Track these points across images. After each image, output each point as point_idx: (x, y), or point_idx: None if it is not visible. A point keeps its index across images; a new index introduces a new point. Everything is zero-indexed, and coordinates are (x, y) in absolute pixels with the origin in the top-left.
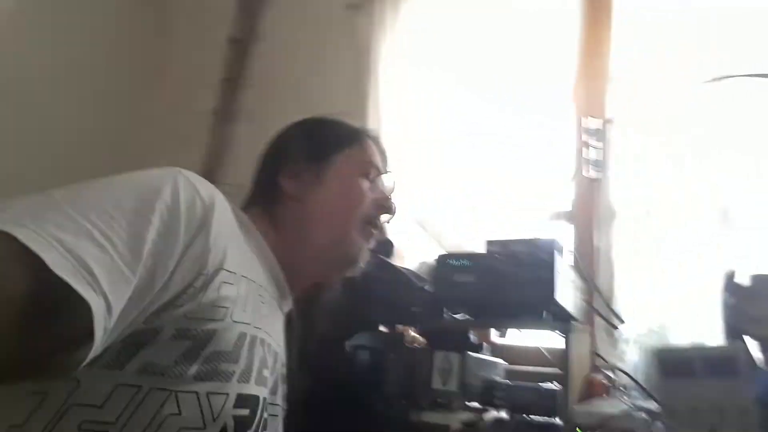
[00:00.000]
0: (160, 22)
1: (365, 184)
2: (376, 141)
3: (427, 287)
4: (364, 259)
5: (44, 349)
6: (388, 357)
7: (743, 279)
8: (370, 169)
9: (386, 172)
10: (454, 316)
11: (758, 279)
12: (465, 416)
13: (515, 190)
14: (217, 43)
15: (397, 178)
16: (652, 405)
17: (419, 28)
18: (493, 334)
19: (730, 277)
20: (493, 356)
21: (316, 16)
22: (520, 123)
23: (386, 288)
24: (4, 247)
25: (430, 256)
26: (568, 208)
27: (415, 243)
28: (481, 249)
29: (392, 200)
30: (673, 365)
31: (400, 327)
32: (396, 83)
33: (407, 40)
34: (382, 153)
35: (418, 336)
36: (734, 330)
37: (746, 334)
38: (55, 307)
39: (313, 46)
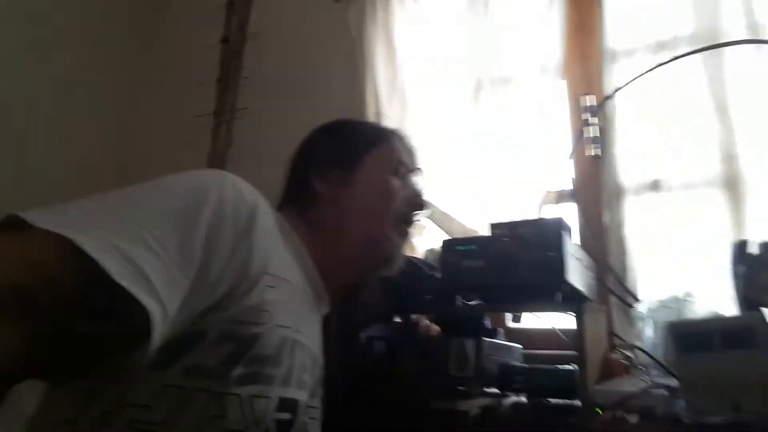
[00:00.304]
0: (155, 25)
1: (396, 183)
2: (403, 139)
3: (437, 274)
4: (399, 258)
5: (98, 350)
6: (403, 346)
7: (754, 248)
8: (400, 168)
9: (415, 170)
10: (468, 302)
11: None
12: (483, 402)
13: (513, 172)
14: (213, 45)
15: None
16: (672, 382)
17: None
18: (508, 319)
19: (741, 246)
20: (508, 341)
21: (308, 12)
22: (514, 104)
23: (398, 278)
24: (64, 252)
25: (436, 243)
26: (569, 187)
27: (420, 231)
28: (485, 232)
29: (423, 197)
30: (689, 339)
31: (414, 316)
32: (392, 75)
33: (398, 30)
34: (410, 151)
35: (432, 324)
36: (748, 300)
37: (760, 303)
38: (112, 312)
39: (307, 41)
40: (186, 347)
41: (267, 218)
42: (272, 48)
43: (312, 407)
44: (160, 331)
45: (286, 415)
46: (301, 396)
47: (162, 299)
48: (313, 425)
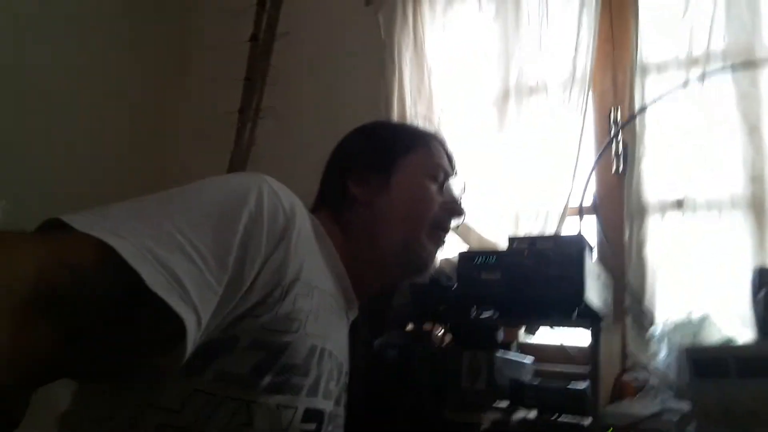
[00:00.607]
0: (185, 23)
1: (433, 188)
2: (443, 143)
3: (453, 285)
4: (433, 264)
5: (130, 354)
6: (416, 355)
7: None
8: (438, 172)
9: (454, 175)
10: (482, 314)
11: None
12: (494, 416)
13: (535, 184)
14: (240, 43)
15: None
16: (685, 406)
17: (440, 25)
18: (521, 333)
19: (762, 272)
20: (522, 354)
21: (337, 13)
22: (540, 114)
23: (413, 286)
24: (101, 256)
25: (453, 254)
26: (591, 203)
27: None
28: (503, 245)
29: (461, 204)
30: (706, 365)
31: (426, 325)
32: (419, 80)
33: (428, 35)
34: (450, 156)
35: (444, 334)
36: (767, 327)
37: None
38: (146, 317)
39: (334, 42)
40: (217, 353)
41: (303, 224)
42: (301, 48)
43: (336, 416)
44: (193, 338)
45: (311, 426)
46: (327, 406)
47: (196, 307)
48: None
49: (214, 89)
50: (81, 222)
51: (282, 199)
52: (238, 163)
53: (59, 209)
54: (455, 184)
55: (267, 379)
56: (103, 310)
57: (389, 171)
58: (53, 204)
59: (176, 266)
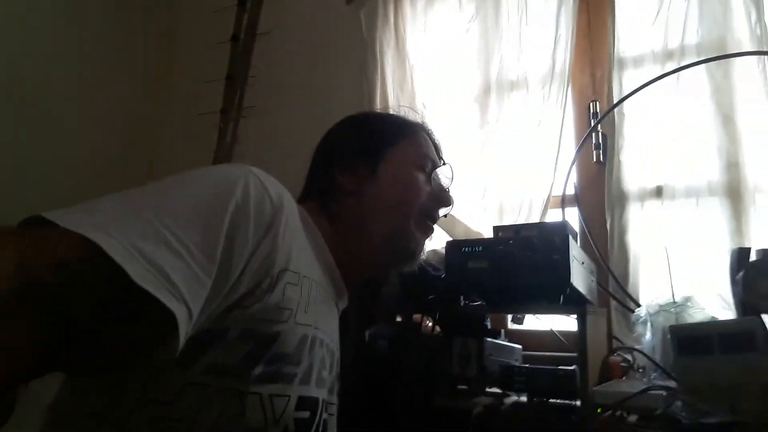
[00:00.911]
0: (164, 24)
1: (421, 177)
2: (430, 134)
3: (441, 275)
4: (421, 254)
5: (121, 349)
6: (406, 345)
7: (754, 255)
8: (426, 162)
9: (442, 165)
10: (471, 303)
11: None
12: (485, 401)
13: (517, 176)
14: (221, 43)
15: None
16: (671, 383)
17: (421, 23)
18: (508, 320)
19: (740, 253)
20: (510, 342)
21: (319, 12)
22: (520, 108)
23: (402, 277)
24: (85, 253)
25: (440, 245)
26: (573, 192)
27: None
28: (488, 235)
29: (449, 193)
30: (690, 342)
31: (416, 316)
32: (401, 77)
33: (409, 33)
34: (437, 145)
35: (432, 325)
36: (747, 306)
37: (759, 309)
38: (135, 312)
39: (316, 41)
40: (208, 345)
41: (291, 214)
42: (282, 47)
43: (330, 404)
44: (185, 331)
45: (305, 414)
46: (321, 394)
47: (186, 300)
48: (331, 421)
49: (196, 89)
50: (65, 219)
51: (269, 189)
52: (221, 162)
53: (45, 207)
54: (443, 174)
55: (258, 369)
56: (89, 307)
57: (376, 161)
58: (39, 202)
59: (163, 261)
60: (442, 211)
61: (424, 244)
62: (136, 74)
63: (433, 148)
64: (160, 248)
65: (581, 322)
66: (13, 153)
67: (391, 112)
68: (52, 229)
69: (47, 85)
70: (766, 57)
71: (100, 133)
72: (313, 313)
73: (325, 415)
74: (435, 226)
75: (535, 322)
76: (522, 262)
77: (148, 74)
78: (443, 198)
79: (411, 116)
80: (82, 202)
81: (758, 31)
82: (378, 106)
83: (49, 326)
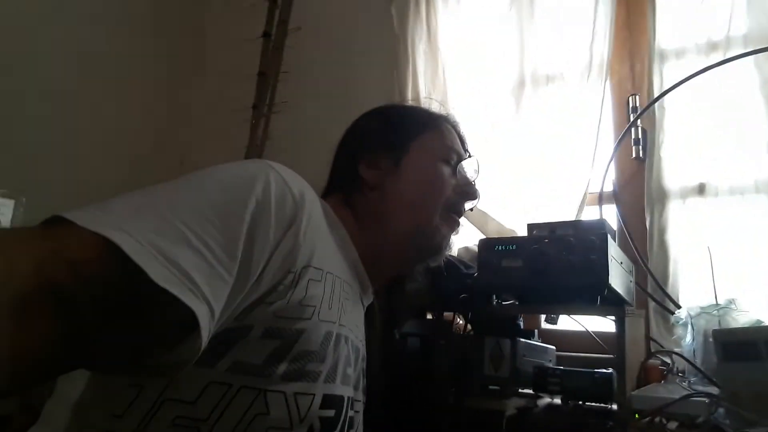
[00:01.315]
0: (197, 19)
1: (446, 170)
2: (455, 126)
3: (474, 273)
4: (447, 248)
5: (142, 348)
6: (438, 344)
7: None
8: (451, 155)
9: (467, 157)
10: (503, 302)
11: None
12: (518, 403)
13: (553, 172)
14: (253, 39)
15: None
16: (712, 389)
17: (453, 16)
18: (542, 320)
19: None
20: (542, 342)
21: (349, 7)
22: (557, 103)
23: (433, 275)
24: (104, 252)
25: (472, 242)
26: (611, 189)
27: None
28: (522, 232)
29: (475, 186)
30: (735, 348)
31: (447, 314)
32: (433, 72)
33: (441, 27)
34: (462, 138)
35: (464, 324)
36: None
37: None
38: (156, 312)
39: (348, 36)
40: (231, 344)
41: (314, 208)
42: (313, 43)
43: (356, 401)
44: (208, 330)
45: (330, 412)
46: (346, 392)
47: (208, 298)
48: (357, 418)
49: (228, 85)
50: (83, 218)
51: (290, 184)
52: (253, 158)
53: (75, 205)
54: (468, 167)
55: (282, 367)
56: (108, 307)
57: (400, 154)
58: (70, 199)
59: (183, 260)
60: (467, 205)
61: (450, 238)
62: (168, 71)
63: (458, 140)
64: (180, 247)
65: (619, 324)
66: (45, 151)
67: (413, 104)
68: (71, 228)
69: (79, 82)
70: None
71: (132, 130)
72: (337, 310)
73: (351, 413)
74: (467, 223)
75: (569, 323)
76: (558, 261)
77: (180, 71)
78: (469, 191)
79: (435, 108)
80: (103, 200)
81: None
82: (409, 102)
83: (68, 326)
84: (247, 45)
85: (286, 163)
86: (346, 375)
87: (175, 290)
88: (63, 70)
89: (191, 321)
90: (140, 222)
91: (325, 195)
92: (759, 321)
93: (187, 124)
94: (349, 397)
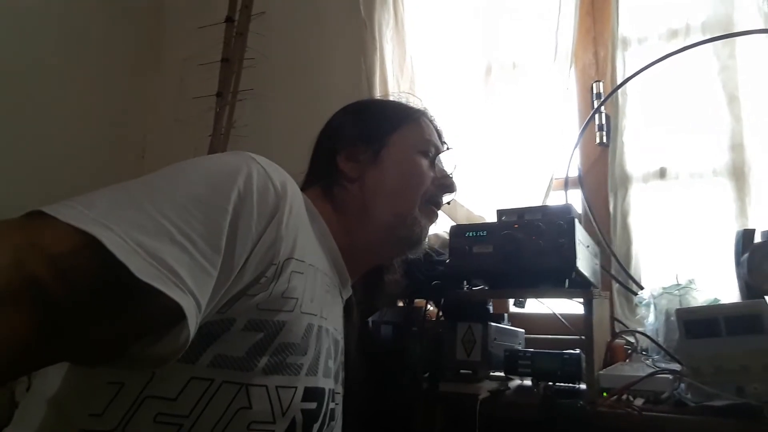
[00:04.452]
0: (156, 2)
1: (425, 163)
2: (431, 119)
3: (445, 260)
4: (425, 240)
5: (126, 341)
6: (410, 331)
7: (759, 236)
8: (429, 148)
9: (445, 150)
10: (473, 288)
11: None
12: (490, 386)
13: (519, 158)
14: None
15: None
16: (675, 366)
17: (420, 2)
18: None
19: (745, 235)
20: (512, 326)
21: None
22: (522, 90)
23: (405, 263)
24: (84, 247)
25: (442, 229)
26: (575, 174)
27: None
28: (491, 218)
29: (452, 178)
30: (697, 325)
31: (418, 301)
32: (400, 58)
33: (408, 13)
34: (439, 131)
35: (437, 310)
36: (751, 288)
37: (763, 291)
38: (139, 307)
39: (313, 22)
40: (213, 337)
41: (295, 201)
42: (278, 28)
43: (336, 393)
44: (195, 322)
45: (312, 405)
46: (327, 384)
47: (193, 291)
48: (337, 410)
49: (189, 73)
50: (65, 213)
51: (272, 176)
52: (217, 147)
53: (36, 199)
54: (446, 160)
55: (264, 360)
56: (90, 302)
57: (379, 147)
58: (30, 194)
59: (166, 254)
60: (446, 198)
61: (428, 230)
62: (125, 57)
63: (435, 133)
64: (163, 241)
65: (587, 306)
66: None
67: (392, 98)
68: (51, 223)
69: (30, 71)
70: None
71: (89, 118)
72: (319, 302)
73: (332, 405)
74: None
75: (536, 306)
76: (528, 246)
77: (137, 56)
78: (447, 183)
79: (413, 102)
80: (76, 194)
81: (765, 8)
82: (377, 88)
83: (47, 319)
84: (209, 30)
85: (253, 152)
86: (327, 367)
87: (158, 284)
88: (9, 56)
89: (177, 315)
90: (122, 217)
91: (304, 188)
92: (716, 299)
93: (148, 113)
94: (330, 390)
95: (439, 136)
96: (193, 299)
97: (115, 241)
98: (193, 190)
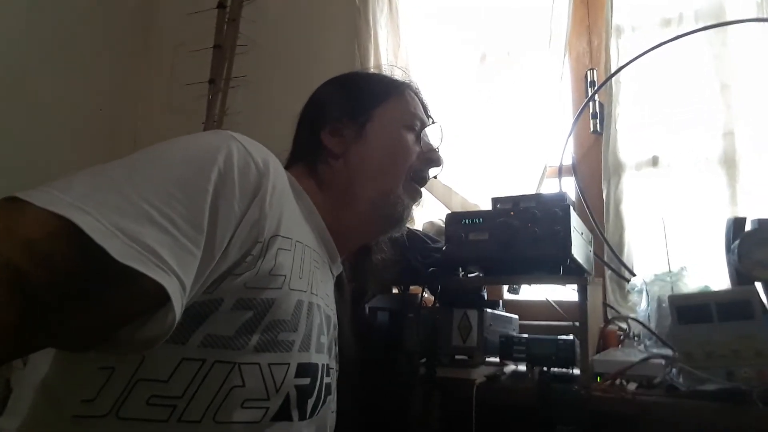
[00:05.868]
0: None
1: (410, 137)
2: (417, 92)
3: (441, 247)
4: (408, 219)
5: (111, 325)
6: (406, 317)
7: (749, 224)
8: (414, 122)
9: (430, 124)
10: (468, 275)
11: (764, 224)
12: (486, 371)
13: (513, 146)
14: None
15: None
16: (666, 351)
17: None
18: (505, 291)
19: (736, 223)
20: (507, 312)
21: None
22: (517, 78)
23: (402, 250)
24: (62, 232)
25: (437, 217)
26: (569, 162)
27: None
28: (485, 206)
29: (438, 152)
30: (689, 311)
31: (414, 287)
32: (395, 45)
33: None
34: (425, 104)
35: (434, 297)
36: (741, 275)
37: (753, 278)
38: (122, 290)
39: (307, 8)
40: (202, 318)
41: (278, 178)
42: (272, 14)
43: (330, 368)
44: (180, 303)
45: (305, 381)
46: (321, 359)
47: (177, 272)
48: (333, 384)
49: (182, 59)
50: (41, 198)
51: (253, 154)
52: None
53: (28, 186)
54: (432, 133)
55: (255, 338)
56: (70, 286)
57: (364, 121)
58: (20, 180)
59: (147, 236)
60: (432, 172)
61: (411, 209)
62: (117, 44)
63: (420, 107)
64: (143, 224)
65: (582, 292)
66: None
67: (375, 71)
68: (25, 208)
69: (22, 59)
70: (766, 24)
71: (79, 107)
72: (308, 278)
73: (326, 380)
74: (431, 198)
75: (530, 292)
76: (524, 233)
77: (127, 43)
78: (433, 157)
79: (398, 74)
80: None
81: None
82: (371, 69)
83: (27, 306)
84: (201, 17)
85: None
86: (320, 343)
87: (138, 266)
88: (6, 46)
89: (162, 296)
90: (100, 200)
91: (288, 166)
92: (707, 287)
93: (139, 101)
94: (324, 365)
95: (425, 109)
96: (177, 280)
97: (92, 225)
98: (172, 170)
